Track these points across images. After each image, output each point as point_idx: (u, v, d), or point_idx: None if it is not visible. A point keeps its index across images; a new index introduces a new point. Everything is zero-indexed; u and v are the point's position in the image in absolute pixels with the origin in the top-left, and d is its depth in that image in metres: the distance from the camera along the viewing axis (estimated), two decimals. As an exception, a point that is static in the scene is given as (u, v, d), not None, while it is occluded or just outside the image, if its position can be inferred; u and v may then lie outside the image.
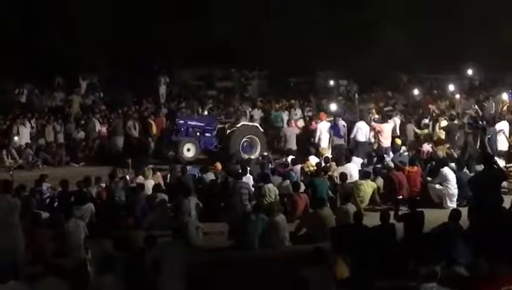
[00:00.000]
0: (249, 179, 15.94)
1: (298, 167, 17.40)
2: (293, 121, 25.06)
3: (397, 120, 21.57)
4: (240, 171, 16.33)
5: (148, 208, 14.68)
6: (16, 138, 24.18)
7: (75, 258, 11.58)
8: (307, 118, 25.17)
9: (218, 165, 17.68)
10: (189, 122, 23.26)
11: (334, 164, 17.18)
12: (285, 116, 26.59)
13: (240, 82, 39.42)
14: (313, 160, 17.90)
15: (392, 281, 8.71)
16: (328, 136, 20.58)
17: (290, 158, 18.49)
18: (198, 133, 22.87)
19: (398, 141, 19.49)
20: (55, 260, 10.94)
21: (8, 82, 33.32)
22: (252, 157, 21.05)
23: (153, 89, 34.01)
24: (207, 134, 22.97)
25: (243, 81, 39.47)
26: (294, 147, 20.77)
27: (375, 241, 10.75)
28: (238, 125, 22.60)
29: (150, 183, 16.12)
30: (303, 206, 14.52)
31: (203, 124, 23.32)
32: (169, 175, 17.47)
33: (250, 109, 28.24)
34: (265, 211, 13.26)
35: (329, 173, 16.34)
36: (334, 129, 20.71)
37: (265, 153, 20.41)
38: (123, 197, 15.56)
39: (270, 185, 15.09)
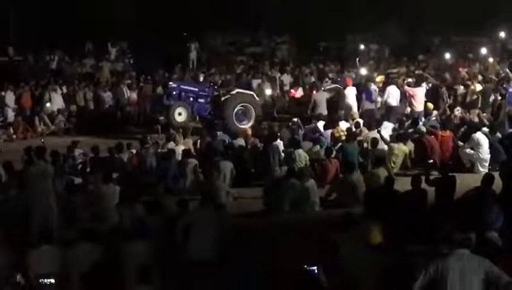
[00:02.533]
0: (279, 144, 15.92)
1: (328, 132, 17.32)
2: (292, 90, 24.80)
3: (429, 84, 21.30)
4: (269, 136, 16.31)
5: (179, 173, 14.77)
6: (48, 104, 24.43)
7: (109, 223, 11.73)
8: (307, 86, 24.80)
9: (248, 131, 17.66)
10: (182, 86, 22.57)
11: (365, 129, 17.08)
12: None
13: (269, 47, 39.15)
14: (343, 125, 17.79)
15: (423, 245, 8.65)
16: (355, 101, 20.41)
17: (320, 123, 18.38)
18: (191, 99, 22.14)
19: (430, 106, 19.26)
20: (88, 225, 11.08)
21: (40, 49, 33.55)
22: (247, 126, 20.58)
23: (183, 55, 34.03)
24: (200, 100, 22.27)
25: (272, 47, 39.18)
26: (324, 112, 20.59)
27: (407, 206, 10.69)
28: (233, 92, 22.12)
29: (180, 149, 16.21)
30: (333, 171, 14.48)
31: (196, 90, 22.63)
32: (199, 141, 17.53)
33: (279, 74, 28.07)
34: (296, 176, 13.29)
35: (360, 138, 16.26)
36: (365, 94, 20.53)
37: (295, 119, 20.30)
38: (154, 162, 15.67)
39: (301, 151, 15.08)
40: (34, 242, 9.67)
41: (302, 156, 14.91)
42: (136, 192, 13.12)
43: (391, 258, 8.43)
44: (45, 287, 8.89)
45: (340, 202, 12.92)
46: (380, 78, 23.65)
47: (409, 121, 17.65)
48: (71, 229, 10.94)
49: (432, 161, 14.94)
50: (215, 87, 23.55)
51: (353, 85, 21.25)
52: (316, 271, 7.24)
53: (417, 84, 20.62)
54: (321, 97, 20.83)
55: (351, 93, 20.57)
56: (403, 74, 24.78)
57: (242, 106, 21.88)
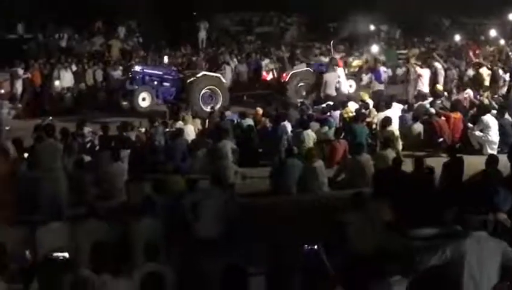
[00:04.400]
0: (287, 124, 15.90)
1: (337, 112, 17.28)
2: (264, 72, 24.73)
3: (438, 66, 21.23)
4: (277, 116, 16.29)
5: (188, 152, 14.79)
6: (57, 82, 24.43)
7: (117, 201, 11.78)
8: (274, 70, 24.71)
9: (259, 111, 17.66)
10: (145, 71, 22.22)
11: (374, 110, 17.04)
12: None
13: (278, 27, 38.92)
14: (352, 106, 17.75)
15: (434, 228, 8.62)
16: (345, 82, 20.47)
17: (328, 104, 18.34)
18: (155, 82, 21.78)
19: (439, 88, 19.20)
20: (97, 203, 11.13)
21: (50, 27, 33.53)
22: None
23: (192, 35, 33.96)
24: (165, 83, 21.90)
25: (282, 27, 38.96)
26: (334, 93, 20.59)
27: (414, 187, 10.69)
28: (199, 75, 21.86)
29: (189, 129, 16.24)
30: (342, 152, 14.47)
31: (160, 73, 22.27)
32: (207, 121, 17.55)
33: (287, 55, 27.94)
34: (303, 157, 13.29)
35: (368, 120, 16.23)
36: (375, 75, 20.51)
37: (303, 100, 20.24)
38: (163, 141, 15.70)
39: (309, 131, 15.06)
40: (42, 219, 9.71)
41: (310, 136, 14.89)
42: (144, 170, 13.19)
43: (399, 240, 8.44)
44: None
45: (348, 183, 12.93)
46: (356, 63, 23.71)
47: (418, 103, 17.60)
48: (80, 207, 10.98)
49: (441, 139, 15.00)
50: (180, 69, 23.27)
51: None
52: (317, 250, 7.23)
53: (424, 65, 20.61)
54: (331, 78, 20.79)
55: (340, 74, 20.69)
56: (414, 55, 24.70)
57: (208, 88, 21.56)
